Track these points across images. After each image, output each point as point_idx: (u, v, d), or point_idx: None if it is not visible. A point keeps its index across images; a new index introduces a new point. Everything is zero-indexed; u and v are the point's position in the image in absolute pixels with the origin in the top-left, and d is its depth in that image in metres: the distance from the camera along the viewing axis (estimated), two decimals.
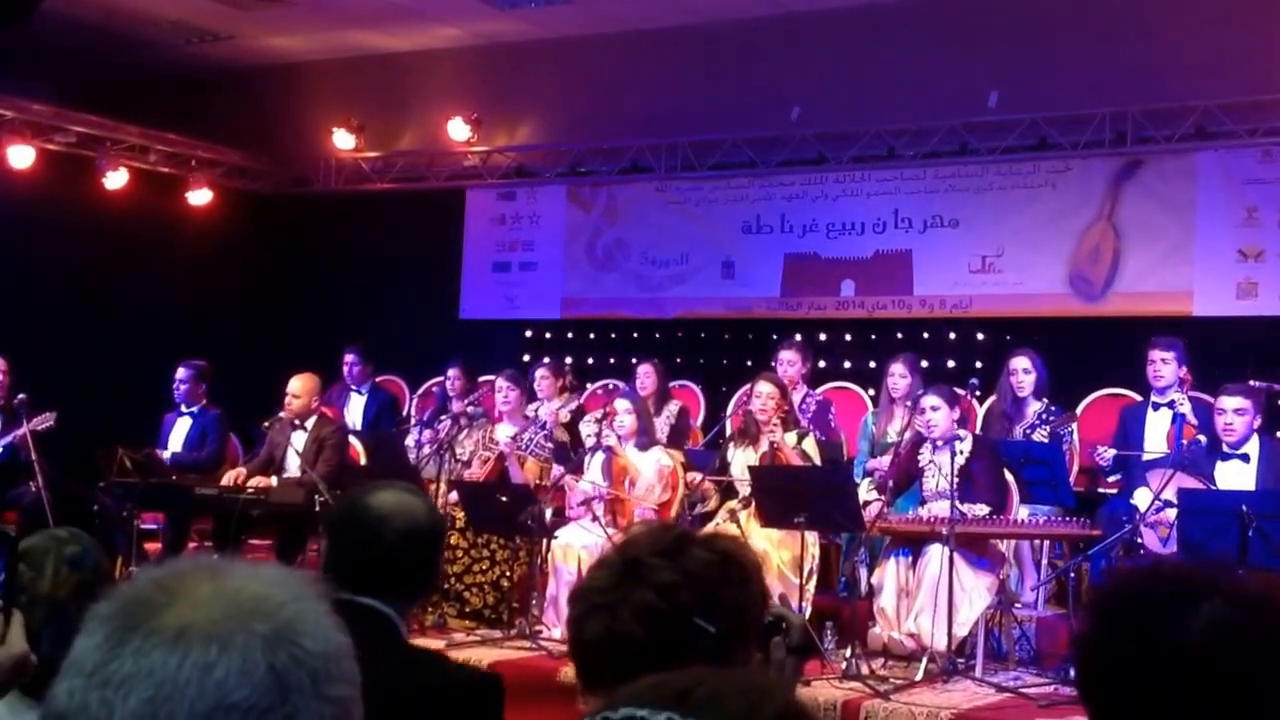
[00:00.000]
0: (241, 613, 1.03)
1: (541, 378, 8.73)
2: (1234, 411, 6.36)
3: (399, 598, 2.53)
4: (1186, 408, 7.08)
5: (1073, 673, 5.30)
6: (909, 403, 7.43)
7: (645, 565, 1.75)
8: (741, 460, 7.15)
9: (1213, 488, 6.28)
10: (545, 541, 7.14)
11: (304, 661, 1.04)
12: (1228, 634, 1.34)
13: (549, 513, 7.28)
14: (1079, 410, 8.04)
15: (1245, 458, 6.42)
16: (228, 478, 8.18)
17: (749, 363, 9.32)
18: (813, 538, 6.71)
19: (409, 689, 2.38)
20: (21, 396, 8.03)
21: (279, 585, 1.08)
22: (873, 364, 9.03)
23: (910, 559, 6.43)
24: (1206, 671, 1.33)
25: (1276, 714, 1.32)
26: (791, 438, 7.07)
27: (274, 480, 8.03)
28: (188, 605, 1.03)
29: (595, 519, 7.10)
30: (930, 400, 6.72)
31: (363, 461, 8.67)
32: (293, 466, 8.06)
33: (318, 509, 7.38)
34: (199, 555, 1.13)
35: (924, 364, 8.37)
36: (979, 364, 8.74)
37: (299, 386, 8.17)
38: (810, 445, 7.13)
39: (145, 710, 0.99)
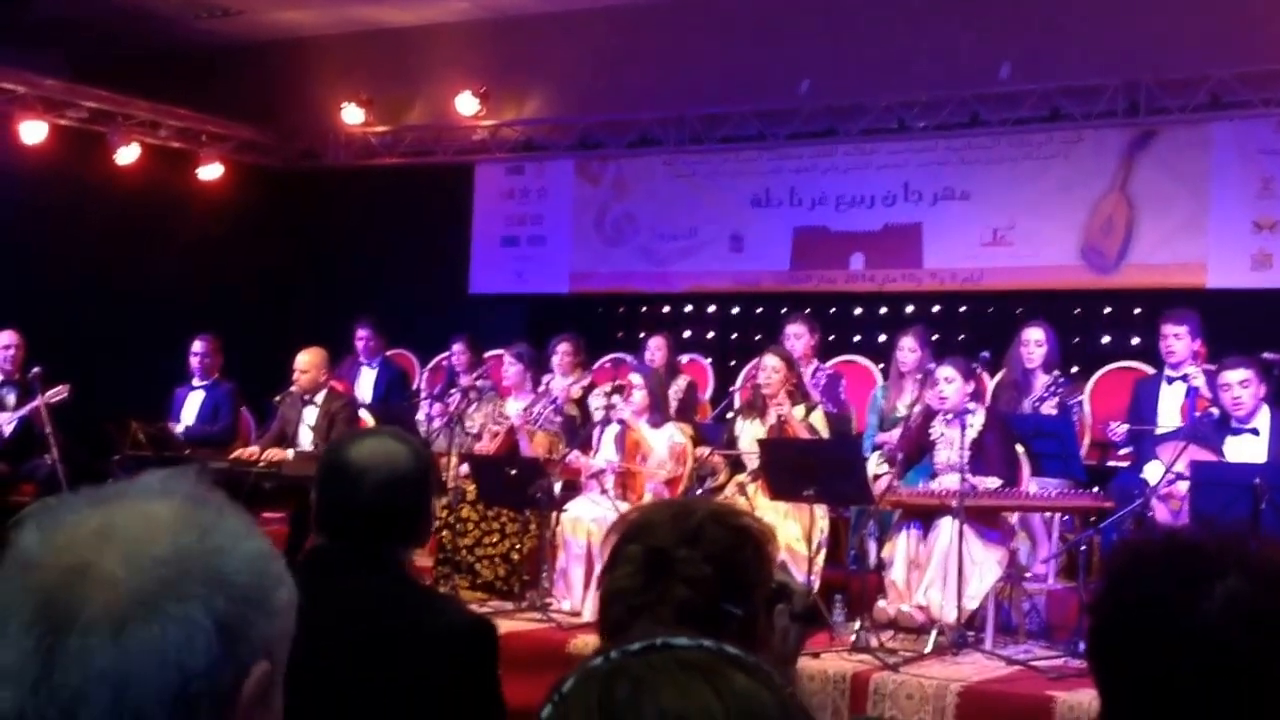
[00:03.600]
0: (164, 580, 0.99)
1: (564, 353, 8.70)
2: (1239, 384, 6.32)
3: (392, 543, 2.50)
4: (1200, 381, 7.05)
5: (1083, 647, 5.29)
6: (919, 376, 7.41)
7: (674, 558, 1.73)
8: (750, 433, 7.14)
9: (1224, 461, 6.26)
10: (555, 514, 7.16)
11: (242, 598, 1.02)
12: (1244, 612, 1.30)
13: (558, 486, 7.30)
14: (1091, 383, 8.02)
15: (1255, 431, 6.38)
16: (244, 452, 8.21)
17: (758, 336, 9.31)
18: (822, 511, 6.70)
19: (401, 627, 2.39)
20: (36, 370, 8.09)
21: (181, 523, 1.03)
22: (882, 338, 9.00)
23: (921, 532, 6.42)
24: (1222, 651, 1.29)
25: None
26: (799, 411, 7.05)
27: (290, 454, 8.05)
28: (106, 589, 0.98)
29: (604, 492, 7.12)
30: (945, 372, 6.69)
31: None
32: (305, 441, 8.07)
33: None
34: (75, 503, 1.03)
35: (934, 337, 8.33)
36: (989, 337, 8.70)
37: (306, 361, 8.18)
38: (818, 418, 7.11)
39: (114, 712, 0.96)
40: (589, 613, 6.68)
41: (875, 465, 7.24)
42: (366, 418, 8.82)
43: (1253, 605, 1.31)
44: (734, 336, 9.90)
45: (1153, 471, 6.40)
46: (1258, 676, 1.28)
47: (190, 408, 9.00)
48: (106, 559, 0.99)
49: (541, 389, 8.37)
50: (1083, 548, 6.33)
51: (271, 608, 1.04)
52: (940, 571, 6.18)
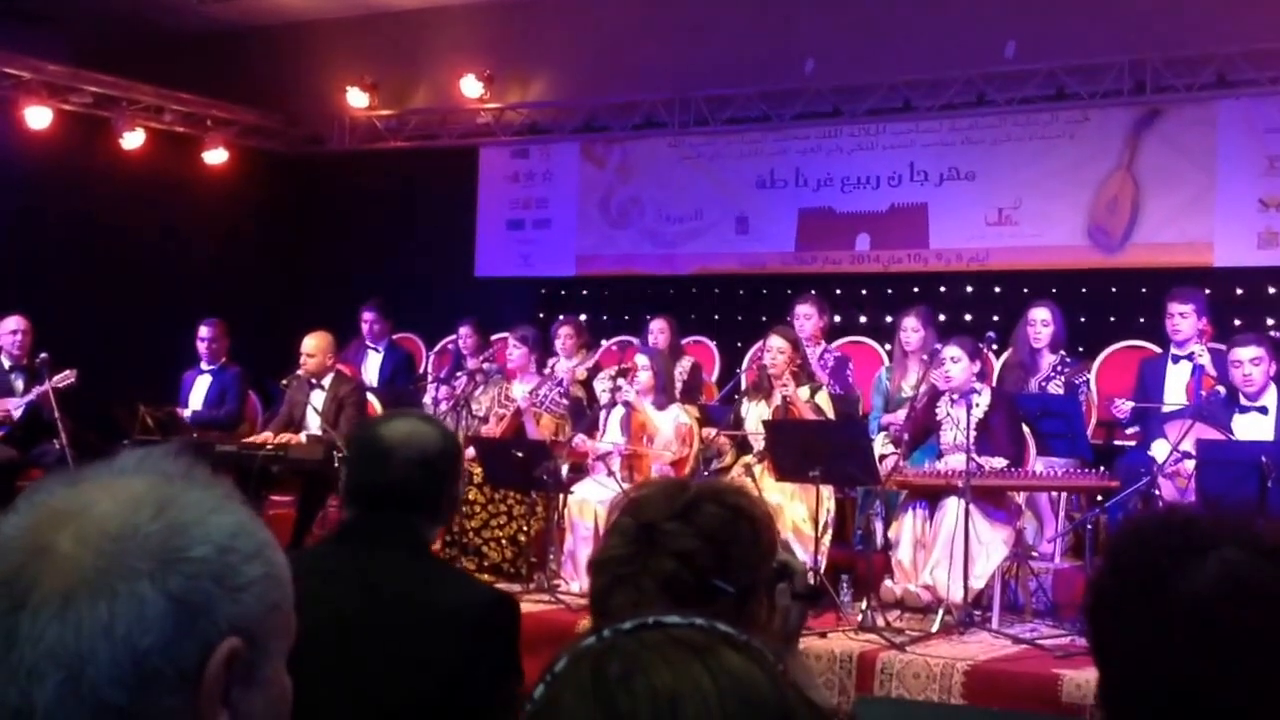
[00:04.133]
0: (113, 556, 0.99)
1: (566, 336, 8.71)
2: (1250, 361, 6.33)
3: (418, 519, 2.59)
4: (1206, 359, 7.05)
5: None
6: (924, 356, 7.41)
7: (662, 531, 1.74)
8: (755, 415, 7.15)
9: (1231, 439, 6.26)
10: (562, 496, 7.18)
11: (200, 573, 1.00)
12: (1236, 584, 1.29)
13: (565, 468, 7.31)
14: (1097, 363, 8.01)
15: (1264, 410, 6.39)
16: (258, 438, 8.22)
17: (763, 318, 9.29)
18: (828, 491, 6.71)
19: (427, 600, 2.47)
20: (43, 355, 8.10)
21: (142, 500, 1.02)
22: (888, 319, 8.99)
23: (927, 512, 6.44)
24: (1214, 622, 1.28)
25: None
26: (805, 391, 7.06)
27: (303, 437, 8.06)
28: (58, 567, 0.98)
29: (611, 474, 7.13)
30: (951, 351, 6.70)
31: None
32: (313, 424, 8.09)
33: (337, 465, 7.44)
34: (49, 486, 1.05)
35: (941, 318, 8.33)
36: (996, 318, 8.70)
37: (313, 345, 8.19)
38: (824, 399, 7.12)
39: (65, 691, 0.96)
40: None
41: (881, 446, 7.25)
42: (373, 401, 8.84)
43: (1246, 576, 1.29)
44: (739, 318, 9.89)
45: (1160, 450, 6.41)
46: (1251, 648, 1.27)
47: (198, 392, 9.02)
48: (63, 538, 0.99)
49: (547, 371, 8.38)
50: (1089, 527, 6.33)
51: (237, 583, 1.02)
52: (946, 551, 6.19)
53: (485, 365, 8.50)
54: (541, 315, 10.17)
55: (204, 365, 9.08)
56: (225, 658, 1.00)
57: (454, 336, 9.58)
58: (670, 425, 7.35)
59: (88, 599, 0.97)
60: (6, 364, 8.47)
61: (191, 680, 0.99)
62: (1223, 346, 6.97)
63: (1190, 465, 6.10)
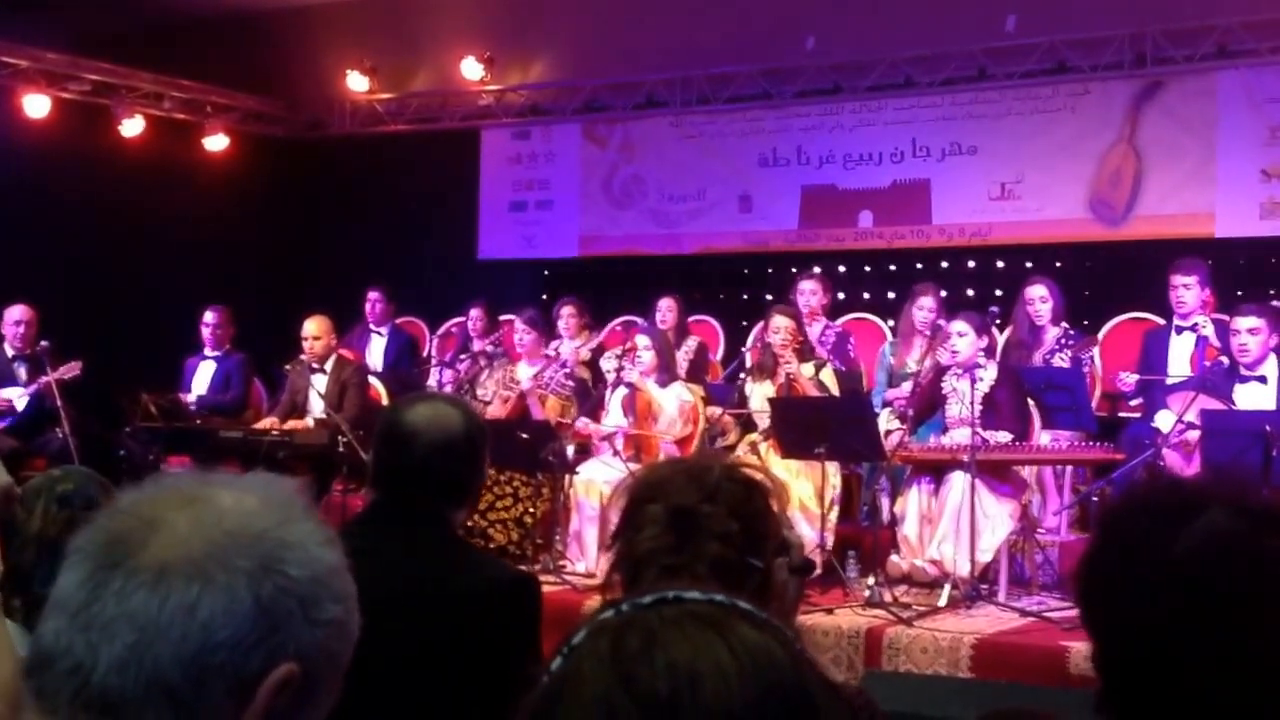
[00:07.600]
0: (221, 547, 1.03)
1: (568, 316, 8.72)
2: (1248, 331, 6.33)
3: (443, 502, 2.59)
4: (1209, 330, 7.04)
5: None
6: (928, 331, 7.41)
7: (700, 515, 1.72)
8: (760, 393, 7.15)
9: (1234, 409, 6.26)
10: (567, 477, 7.18)
11: (291, 590, 1.04)
12: (1223, 547, 1.28)
13: (570, 449, 7.32)
14: (1101, 335, 8.01)
15: (1263, 379, 6.39)
16: (264, 424, 8.23)
17: (768, 296, 9.29)
18: (834, 468, 6.71)
19: (450, 580, 2.50)
20: (44, 344, 8.10)
21: (261, 510, 1.07)
22: (892, 295, 8.99)
23: (933, 487, 6.44)
24: (1200, 583, 1.27)
25: (1275, 631, 1.26)
26: (809, 369, 7.06)
27: (310, 422, 8.07)
28: (167, 541, 1.02)
29: (616, 453, 7.13)
30: (958, 326, 6.68)
31: (384, 403, 8.71)
32: (316, 409, 8.09)
33: (341, 450, 7.46)
34: (180, 475, 1.13)
35: (944, 294, 8.33)
36: (999, 292, 8.69)
37: (316, 328, 8.19)
38: (828, 376, 7.12)
39: (130, 655, 1.00)
40: (604, 574, 6.70)
41: (887, 421, 7.25)
42: (376, 385, 8.85)
43: (1230, 537, 1.29)
44: (744, 297, 9.89)
45: (1164, 420, 6.41)
46: (1237, 607, 1.27)
47: (201, 378, 9.03)
48: (180, 519, 1.04)
49: (550, 353, 8.38)
50: (1095, 499, 6.34)
51: (318, 616, 1.06)
52: (953, 526, 6.20)
53: (489, 348, 8.50)
54: (545, 297, 10.17)
55: (208, 351, 9.09)
56: (281, 678, 1.03)
57: (459, 319, 9.58)
58: (674, 403, 7.35)
59: (183, 577, 1.01)
60: (9, 353, 8.47)
61: (245, 692, 1.02)
62: (1226, 317, 6.96)
63: (1194, 436, 6.10)
